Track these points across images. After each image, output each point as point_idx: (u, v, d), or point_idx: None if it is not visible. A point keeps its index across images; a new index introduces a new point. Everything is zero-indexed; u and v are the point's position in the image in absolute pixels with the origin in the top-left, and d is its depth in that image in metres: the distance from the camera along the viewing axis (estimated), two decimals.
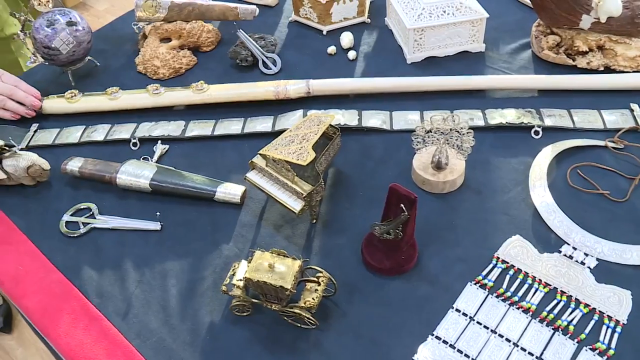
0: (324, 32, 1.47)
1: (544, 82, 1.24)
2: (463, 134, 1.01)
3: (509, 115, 1.17)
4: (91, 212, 1.09)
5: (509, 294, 0.91)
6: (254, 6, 1.43)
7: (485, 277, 0.94)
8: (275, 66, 1.36)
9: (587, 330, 0.86)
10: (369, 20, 1.49)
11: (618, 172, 1.07)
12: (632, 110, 1.18)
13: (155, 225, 1.05)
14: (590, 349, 0.84)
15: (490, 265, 0.95)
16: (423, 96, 1.24)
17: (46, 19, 1.29)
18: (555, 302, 0.90)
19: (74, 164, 1.14)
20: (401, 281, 0.94)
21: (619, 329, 0.86)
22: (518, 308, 0.90)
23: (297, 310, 0.86)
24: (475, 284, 0.93)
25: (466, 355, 0.85)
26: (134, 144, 1.21)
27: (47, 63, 1.35)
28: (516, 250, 0.97)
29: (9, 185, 1.15)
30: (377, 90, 1.26)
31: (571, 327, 0.87)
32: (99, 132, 1.24)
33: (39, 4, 1.28)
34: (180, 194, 1.09)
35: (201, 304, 0.94)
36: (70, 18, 1.31)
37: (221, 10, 1.41)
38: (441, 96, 1.24)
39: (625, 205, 1.02)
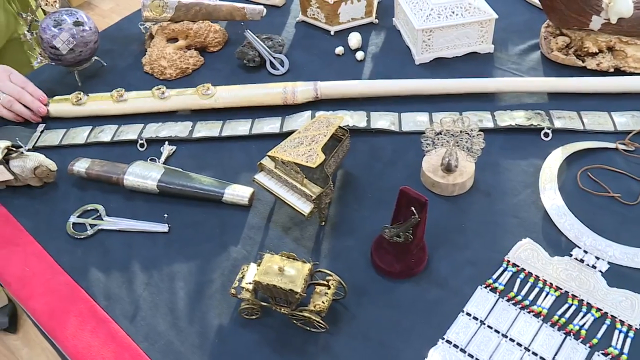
0: (332, 33, 1.46)
1: (554, 85, 1.23)
2: (473, 136, 1.00)
3: (518, 117, 1.16)
4: (98, 214, 1.09)
5: (519, 297, 0.91)
6: (262, 6, 1.42)
7: (495, 280, 0.93)
8: (283, 67, 1.36)
9: (599, 335, 0.85)
10: (376, 20, 1.48)
11: (629, 174, 1.06)
12: None
13: (162, 227, 1.05)
14: (602, 354, 0.83)
15: (501, 269, 0.94)
16: (431, 98, 1.23)
17: (53, 19, 1.28)
18: (566, 306, 0.89)
19: (81, 165, 1.14)
20: (411, 284, 0.94)
21: (631, 334, 0.85)
22: (529, 312, 0.89)
23: (307, 314, 0.85)
24: (485, 287, 0.92)
25: None
26: (141, 145, 1.21)
27: (53, 63, 1.34)
28: (526, 253, 0.96)
29: (16, 186, 1.15)
30: (387, 94, 1.25)
31: (583, 332, 0.86)
32: (106, 133, 1.24)
33: (46, 4, 1.28)
34: (187, 195, 1.08)
35: (209, 306, 0.93)
36: (77, 18, 1.30)
37: (228, 11, 1.41)
38: (450, 98, 1.23)
39: (637, 209, 1.01)
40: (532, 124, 1.15)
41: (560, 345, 0.85)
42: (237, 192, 1.06)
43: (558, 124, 1.15)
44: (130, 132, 1.23)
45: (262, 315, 0.90)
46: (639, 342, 0.84)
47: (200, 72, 1.40)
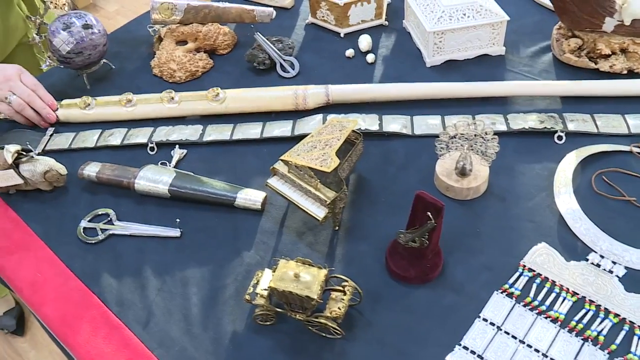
0: (342, 35, 1.45)
1: (568, 88, 1.21)
2: (487, 140, 0.99)
3: (531, 120, 1.16)
4: (109, 218, 1.08)
5: (536, 303, 0.90)
6: (272, 9, 1.42)
7: (511, 285, 0.92)
8: (294, 69, 1.35)
9: (617, 341, 0.84)
10: (386, 22, 1.48)
11: None
12: None
13: (174, 232, 1.04)
14: None
15: (517, 274, 0.93)
16: (444, 101, 1.23)
17: (62, 22, 1.28)
18: (584, 311, 0.88)
19: (91, 169, 1.13)
20: (426, 289, 0.93)
21: None
22: (546, 317, 0.88)
23: (322, 320, 0.85)
24: (501, 292, 0.91)
25: None
26: (152, 149, 1.20)
27: (62, 66, 1.34)
28: (542, 258, 0.95)
29: (26, 191, 1.14)
30: (401, 98, 1.24)
31: (601, 338, 0.85)
32: (116, 137, 1.23)
33: (55, 7, 1.27)
34: (199, 199, 1.07)
35: (223, 312, 0.92)
36: (86, 21, 1.30)
37: (237, 13, 1.40)
38: (462, 100, 1.22)
39: None
40: (545, 127, 1.14)
41: (579, 351, 0.84)
42: (250, 197, 1.06)
43: (571, 126, 1.14)
44: (140, 135, 1.23)
45: (276, 321, 0.90)
46: None
47: (209, 75, 1.39)
